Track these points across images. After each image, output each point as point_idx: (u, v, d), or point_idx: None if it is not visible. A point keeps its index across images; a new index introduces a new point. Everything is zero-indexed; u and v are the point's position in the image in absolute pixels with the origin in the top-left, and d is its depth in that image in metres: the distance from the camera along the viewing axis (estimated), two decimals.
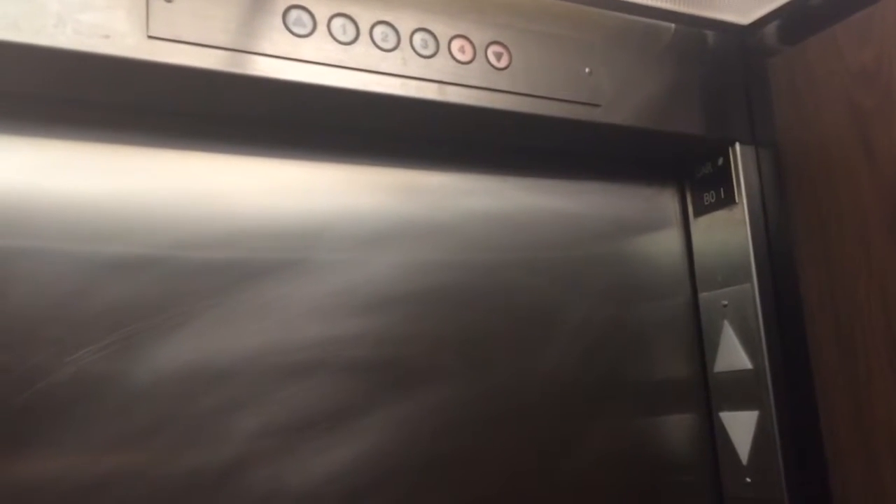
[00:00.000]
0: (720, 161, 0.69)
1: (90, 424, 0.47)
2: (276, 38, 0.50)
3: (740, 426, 0.66)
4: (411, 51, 0.54)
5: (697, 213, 0.71)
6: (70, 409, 0.47)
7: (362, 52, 0.52)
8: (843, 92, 0.62)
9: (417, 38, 0.55)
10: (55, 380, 0.47)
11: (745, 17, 0.69)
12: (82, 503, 0.46)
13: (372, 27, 0.53)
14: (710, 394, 0.69)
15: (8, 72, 0.46)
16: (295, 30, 0.50)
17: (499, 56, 0.57)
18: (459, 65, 0.56)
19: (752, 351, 0.65)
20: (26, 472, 0.45)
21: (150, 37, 0.46)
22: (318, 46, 0.51)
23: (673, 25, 0.67)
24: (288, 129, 0.57)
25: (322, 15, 0.51)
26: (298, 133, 0.57)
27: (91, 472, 0.47)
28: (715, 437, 0.69)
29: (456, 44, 0.56)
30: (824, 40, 0.64)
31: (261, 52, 0.49)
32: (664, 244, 0.72)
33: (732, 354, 0.67)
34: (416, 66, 0.54)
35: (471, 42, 0.57)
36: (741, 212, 0.67)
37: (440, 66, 0.55)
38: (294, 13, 0.51)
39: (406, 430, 0.56)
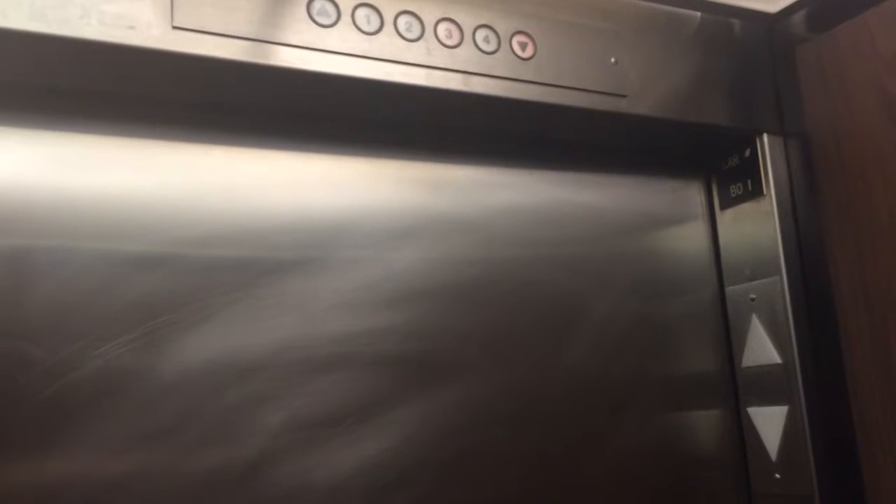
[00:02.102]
0: (747, 152, 0.68)
1: (115, 419, 0.47)
2: (300, 29, 0.49)
3: (769, 422, 0.65)
4: (435, 41, 0.54)
5: (724, 206, 0.70)
6: (95, 403, 0.47)
7: (386, 43, 0.52)
8: (874, 80, 0.61)
9: (442, 28, 0.54)
10: (81, 374, 0.47)
11: (773, 5, 0.68)
12: (107, 498, 0.46)
13: (396, 17, 0.53)
14: (737, 389, 0.68)
15: (33, 63, 0.46)
16: (319, 20, 0.50)
17: (523, 46, 0.57)
18: (484, 55, 0.55)
19: (781, 345, 0.64)
20: (52, 467, 0.45)
21: (174, 27, 0.45)
22: (343, 37, 0.51)
23: (699, 14, 0.66)
24: (312, 121, 0.56)
25: (346, 5, 0.51)
26: (322, 125, 0.57)
27: (116, 466, 0.47)
28: (743, 432, 0.68)
29: (480, 33, 0.55)
30: (855, 27, 0.62)
31: (285, 42, 0.49)
32: (690, 237, 0.71)
33: (761, 349, 0.66)
34: (441, 57, 0.53)
35: (495, 32, 0.56)
36: (769, 204, 0.66)
37: (465, 56, 0.54)
38: (318, 3, 0.50)
39: (431, 425, 0.56)
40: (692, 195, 0.71)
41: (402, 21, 0.53)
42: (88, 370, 0.47)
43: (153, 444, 0.48)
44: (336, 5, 0.51)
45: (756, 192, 0.67)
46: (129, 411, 0.47)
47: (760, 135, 0.67)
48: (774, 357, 0.64)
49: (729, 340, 0.69)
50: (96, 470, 0.46)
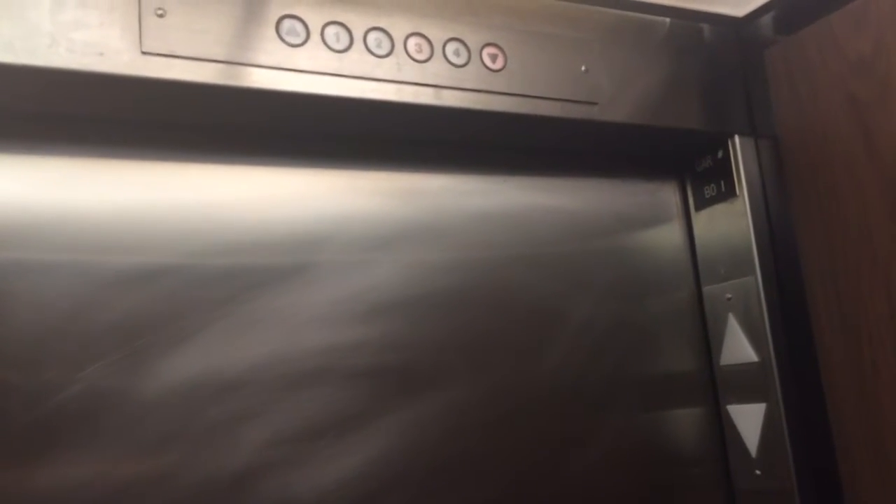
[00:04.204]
0: (720, 154, 0.69)
1: (101, 439, 0.47)
2: (269, 49, 0.50)
3: (748, 419, 0.66)
4: (406, 56, 0.54)
5: (698, 207, 0.71)
6: (81, 424, 0.47)
7: (357, 60, 0.52)
8: (840, 81, 0.62)
9: (411, 42, 0.55)
10: (66, 396, 0.47)
11: (739, 9, 0.69)
12: None
13: (365, 34, 0.53)
14: (717, 387, 0.69)
15: (5, 92, 0.46)
16: (288, 39, 0.50)
17: (494, 58, 0.57)
18: (454, 68, 0.56)
19: (757, 343, 0.65)
20: (39, 490, 0.46)
21: (143, 52, 0.46)
22: (313, 55, 0.51)
23: (668, 20, 0.66)
24: (285, 138, 0.57)
25: (315, 24, 0.51)
26: (296, 142, 0.57)
27: (103, 486, 0.47)
28: (723, 430, 0.69)
29: (450, 47, 0.56)
30: (820, 30, 0.63)
31: (255, 63, 0.49)
32: (666, 239, 0.71)
33: (738, 347, 0.67)
34: (411, 71, 0.54)
35: (465, 45, 0.56)
36: (742, 204, 0.67)
37: (435, 70, 0.55)
38: (287, 23, 0.51)
39: (414, 435, 0.56)
40: (667, 197, 0.72)
41: (372, 37, 0.53)
42: (73, 392, 0.47)
43: (139, 463, 0.48)
44: (305, 24, 0.51)
45: (729, 193, 0.68)
46: (115, 431, 0.48)
47: (732, 136, 0.67)
48: (751, 355, 0.65)
49: (707, 339, 0.70)
50: (84, 490, 0.47)
